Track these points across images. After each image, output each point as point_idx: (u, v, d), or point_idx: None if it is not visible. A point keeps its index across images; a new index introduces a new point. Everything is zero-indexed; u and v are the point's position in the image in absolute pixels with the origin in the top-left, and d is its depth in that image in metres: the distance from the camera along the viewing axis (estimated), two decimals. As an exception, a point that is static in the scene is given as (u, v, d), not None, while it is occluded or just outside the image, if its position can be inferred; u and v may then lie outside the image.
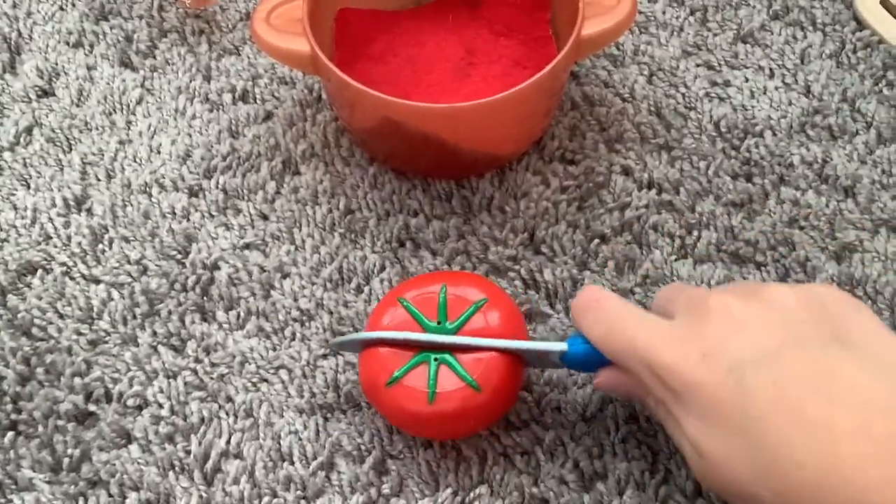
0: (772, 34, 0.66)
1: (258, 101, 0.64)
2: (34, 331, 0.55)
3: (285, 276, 0.57)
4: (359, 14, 0.62)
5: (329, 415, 0.53)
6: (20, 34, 0.66)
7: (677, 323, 0.43)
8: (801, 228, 0.58)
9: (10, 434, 0.52)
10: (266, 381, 0.54)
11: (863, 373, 0.38)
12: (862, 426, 0.37)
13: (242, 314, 0.56)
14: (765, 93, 0.63)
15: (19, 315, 0.55)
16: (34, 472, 0.51)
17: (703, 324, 0.42)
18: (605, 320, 0.45)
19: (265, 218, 0.59)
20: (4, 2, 0.67)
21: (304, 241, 0.58)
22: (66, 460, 0.51)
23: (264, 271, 0.57)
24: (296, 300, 0.56)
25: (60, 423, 0.52)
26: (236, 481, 0.51)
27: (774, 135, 0.61)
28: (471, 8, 0.64)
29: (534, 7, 0.61)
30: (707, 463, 0.40)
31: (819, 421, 0.37)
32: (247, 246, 0.58)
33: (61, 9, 0.67)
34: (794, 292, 0.42)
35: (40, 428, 0.52)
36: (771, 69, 0.64)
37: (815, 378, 0.38)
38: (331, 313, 0.56)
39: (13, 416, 0.53)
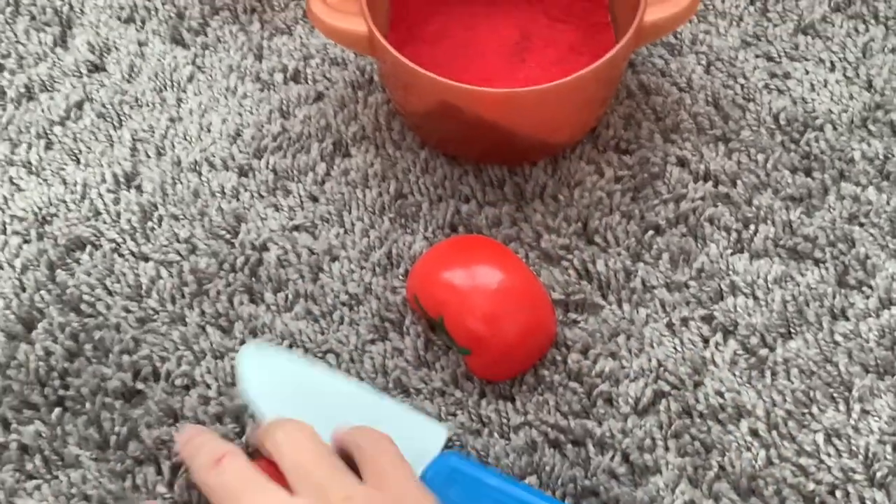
0: (833, 26, 0.64)
1: (309, 82, 0.63)
2: (83, 307, 0.55)
3: (334, 259, 0.57)
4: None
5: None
6: (72, 8, 0.66)
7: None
8: (862, 225, 0.57)
9: (58, 410, 0.52)
10: (314, 365, 0.53)
11: None
12: None
13: (291, 296, 0.55)
14: (825, 86, 0.62)
15: (68, 291, 0.55)
16: (81, 449, 0.51)
17: None
18: (227, 485, 0.42)
19: (315, 200, 0.59)
20: (56, -25, 0.67)
21: (353, 225, 0.58)
22: (113, 438, 0.51)
23: (313, 254, 0.57)
24: (344, 284, 0.56)
25: (108, 400, 0.52)
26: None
27: (835, 129, 0.60)
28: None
29: None
30: None
31: None
32: (296, 228, 0.58)
33: (113, -16, 0.67)
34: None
35: (88, 405, 0.52)
36: (832, 62, 0.63)
37: None
38: (378, 299, 0.55)
39: (61, 392, 0.52)
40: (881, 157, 0.59)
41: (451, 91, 0.52)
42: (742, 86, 0.62)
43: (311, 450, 0.43)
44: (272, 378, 0.50)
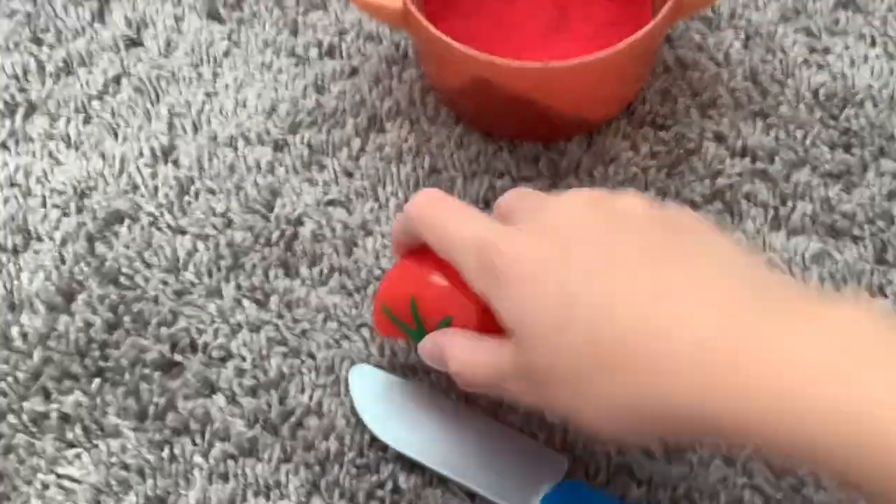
0: (874, 1, 0.63)
1: (344, 57, 0.63)
2: (122, 279, 0.55)
3: (368, 233, 0.57)
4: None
5: (410, 374, 0.53)
6: (109, -17, 0.66)
7: (519, 227, 0.42)
8: (902, 203, 0.56)
9: (97, 381, 0.53)
10: (347, 338, 0.54)
11: (708, 269, 0.39)
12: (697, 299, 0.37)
13: (325, 270, 0.56)
14: (866, 61, 0.61)
15: (107, 263, 0.56)
16: (120, 419, 0.52)
17: (544, 230, 0.41)
18: (448, 217, 0.44)
19: (349, 175, 0.59)
20: (94, -49, 0.67)
21: (387, 199, 0.58)
22: (151, 408, 0.52)
23: (348, 228, 0.57)
24: (377, 259, 0.56)
25: (146, 371, 0.53)
26: (320, 437, 0.51)
27: (875, 105, 0.59)
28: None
29: None
30: (522, 336, 0.40)
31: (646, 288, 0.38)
32: (331, 202, 0.58)
33: (150, -41, 0.67)
34: (643, 204, 0.42)
35: (126, 375, 0.53)
36: (873, 37, 0.62)
37: (650, 280, 0.39)
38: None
39: (100, 364, 0.53)
40: (922, 133, 0.58)
41: (486, 65, 0.52)
42: (781, 61, 0.61)
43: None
44: (385, 400, 0.51)
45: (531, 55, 0.59)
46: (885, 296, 0.53)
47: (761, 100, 0.60)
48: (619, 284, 0.39)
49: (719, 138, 0.59)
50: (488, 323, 0.43)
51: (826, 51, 0.62)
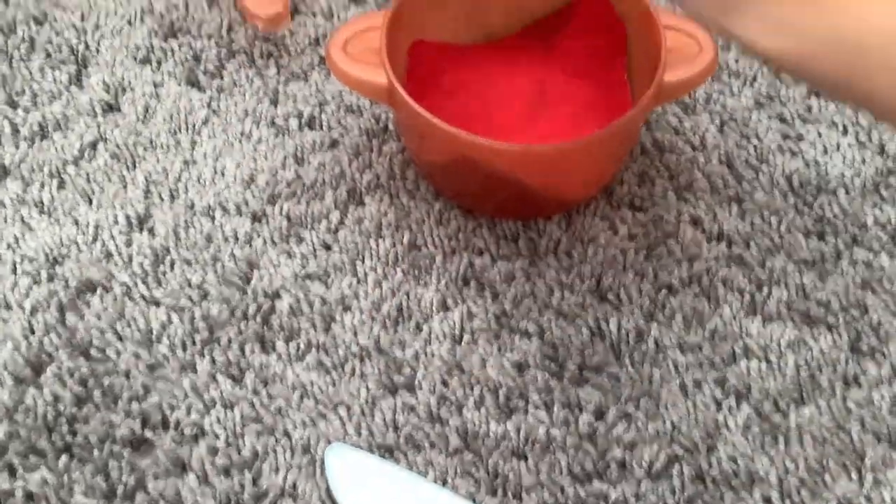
0: (846, 90, 0.65)
1: (325, 129, 0.63)
2: (92, 352, 0.54)
3: (346, 308, 0.56)
4: (432, 47, 0.62)
5: (388, 454, 0.52)
6: (87, 47, 0.65)
7: None
8: (874, 292, 0.57)
9: (65, 457, 0.51)
10: (324, 416, 0.53)
11: None
12: None
13: (302, 346, 0.55)
14: (838, 149, 0.62)
15: (78, 335, 0.55)
16: (87, 497, 0.50)
17: None
18: None
19: (328, 248, 0.59)
20: (73, 13, 0.67)
21: (366, 275, 0.58)
22: (120, 488, 0.50)
23: (325, 303, 0.56)
24: (356, 335, 0.55)
25: (116, 448, 0.52)
26: (293, 520, 0.50)
27: (847, 193, 0.60)
28: (545, 46, 0.63)
29: (610, 50, 0.60)
30: None
31: None
32: (309, 276, 0.58)
33: (129, 23, 0.66)
34: None
35: (95, 452, 0.51)
36: (844, 125, 0.63)
37: None
38: (384, 353, 0.55)
39: (68, 439, 0.52)
40: (893, 223, 0.59)
41: (468, 144, 0.52)
42: (755, 146, 0.62)
43: None
44: (361, 482, 0.50)
45: (511, 134, 0.60)
46: (860, 386, 0.54)
47: (737, 185, 0.61)
48: None
49: (696, 222, 0.60)
50: None
51: (799, 138, 0.63)
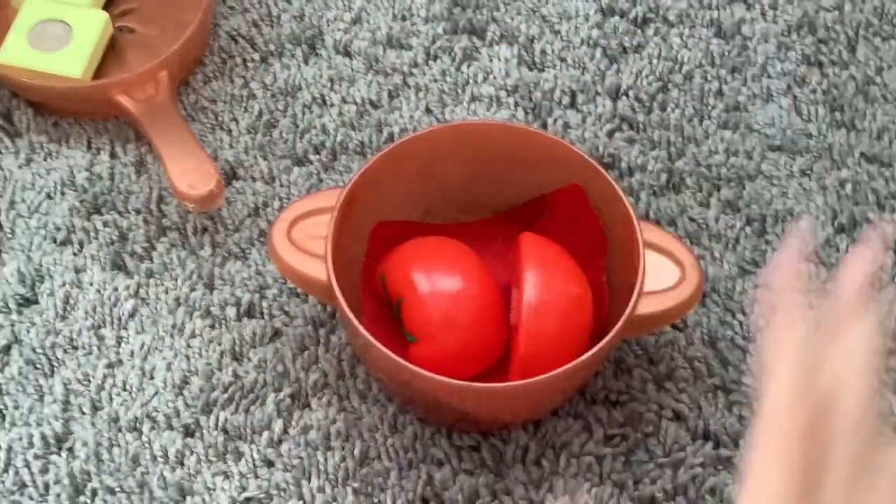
0: (837, 251, 0.59)
1: (265, 317, 0.57)
2: None
3: (291, 539, 0.50)
4: (398, 227, 0.56)
5: None
6: (1, 228, 0.59)
7: None
8: (879, 501, 0.51)
9: None
10: None
11: None
12: None
13: (241, 590, 0.49)
14: (832, 323, 0.57)
15: (-16, 590, 0.48)
16: None
17: None
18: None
19: (270, 465, 0.52)
20: (-14, 188, 0.60)
21: (313, 497, 0.52)
22: None
23: (267, 534, 0.50)
24: (303, 568, 0.49)
25: None
26: None
27: (844, 377, 0.55)
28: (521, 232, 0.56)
29: (590, 249, 0.54)
30: None
31: None
32: (248, 500, 0.51)
33: (49, 197, 0.60)
34: None
35: None
36: (837, 293, 0.58)
37: None
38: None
39: None
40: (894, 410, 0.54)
41: (428, 382, 0.47)
42: (741, 323, 0.57)
43: None
44: None
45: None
46: None
47: (722, 370, 0.55)
48: None
49: (679, 416, 0.54)
50: None
51: (789, 311, 0.57)
